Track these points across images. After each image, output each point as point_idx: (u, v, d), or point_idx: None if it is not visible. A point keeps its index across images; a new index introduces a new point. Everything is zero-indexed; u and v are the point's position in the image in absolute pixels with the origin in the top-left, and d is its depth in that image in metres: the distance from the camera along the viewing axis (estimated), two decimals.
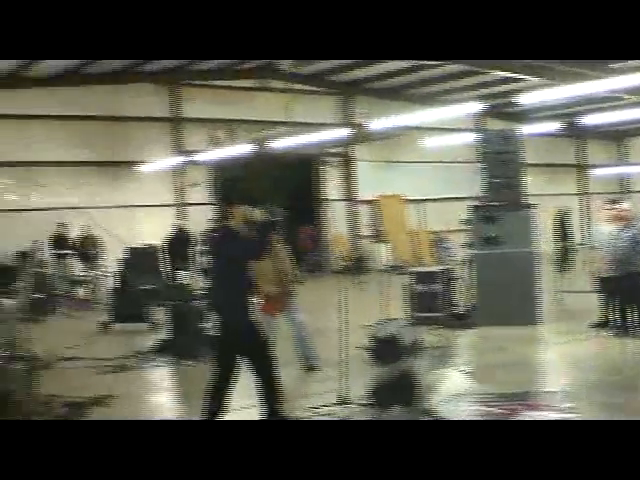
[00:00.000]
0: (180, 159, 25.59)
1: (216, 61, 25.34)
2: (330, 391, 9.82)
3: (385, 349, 11.51)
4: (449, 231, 28.71)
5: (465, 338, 14.48)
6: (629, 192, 38.60)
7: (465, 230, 16.47)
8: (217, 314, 8.37)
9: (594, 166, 39.21)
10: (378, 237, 30.34)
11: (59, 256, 22.92)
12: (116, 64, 23.88)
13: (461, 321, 15.36)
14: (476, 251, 15.59)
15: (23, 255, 20.95)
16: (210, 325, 12.77)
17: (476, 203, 16.15)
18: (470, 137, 28.45)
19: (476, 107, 24.48)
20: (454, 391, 10.03)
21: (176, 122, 26.89)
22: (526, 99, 22.42)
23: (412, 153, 31.06)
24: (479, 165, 16.36)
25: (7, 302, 6.43)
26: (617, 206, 13.92)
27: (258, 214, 8.06)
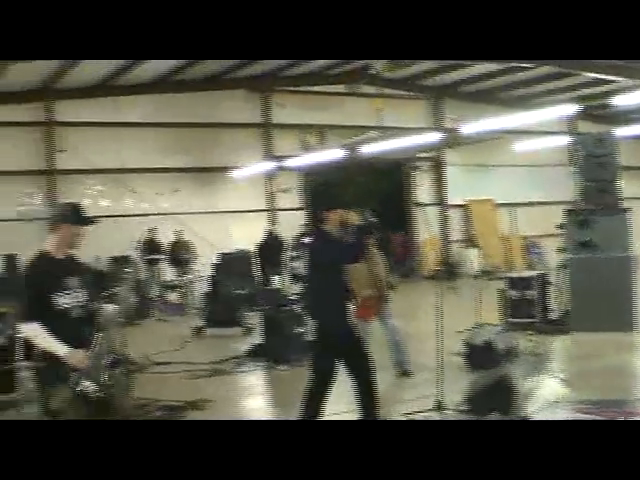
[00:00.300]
0: (271, 164, 25.70)
1: (307, 67, 25.42)
2: (424, 397, 9.81)
3: (480, 355, 11.45)
4: (540, 236, 28.40)
5: (560, 344, 14.28)
6: None
7: (558, 235, 16.28)
8: (314, 318, 8.39)
9: None
10: (469, 242, 30.17)
11: (150, 261, 23.23)
12: (207, 70, 24.12)
13: (555, 327, 15.16)
14: (571, 256, 15.37)
15: (116, 261, 21.36)
16: (304, 329, 12.85)
17: (571, 207, 15.95)
18: (563, 140, 28.09)
19: (569, 109, 24.14)
20: (550, 398, 9.93)
21: (267, 127, 27.04)
22: (620, 101, 22.07)
23: (503, 156, 30.66)
24: (572, 169, 16.15)
25: (107, 307, 6.55)
26: None
27: (355, 217, 8.05)
